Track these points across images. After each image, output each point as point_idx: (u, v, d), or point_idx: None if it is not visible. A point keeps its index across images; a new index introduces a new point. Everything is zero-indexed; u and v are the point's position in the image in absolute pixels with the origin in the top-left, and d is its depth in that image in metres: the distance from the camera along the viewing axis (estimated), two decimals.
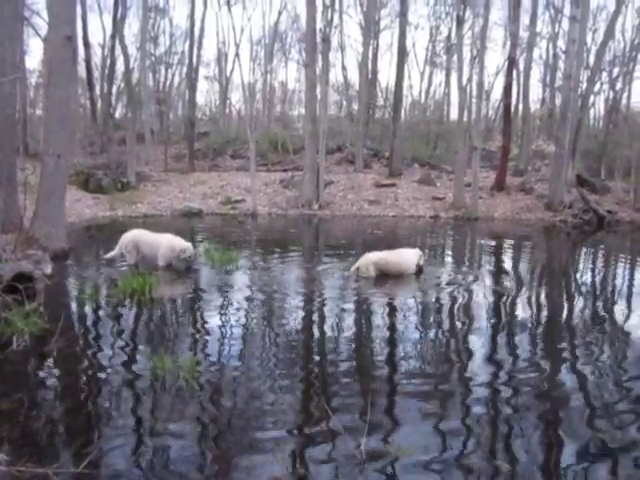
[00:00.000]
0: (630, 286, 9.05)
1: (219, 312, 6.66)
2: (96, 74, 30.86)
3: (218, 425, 3.82)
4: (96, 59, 31.56)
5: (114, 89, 30.01)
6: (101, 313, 6.56)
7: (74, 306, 6.98)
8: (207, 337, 5.65)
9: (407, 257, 8.55)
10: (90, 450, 3.36)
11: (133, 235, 8.88)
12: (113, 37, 26.53)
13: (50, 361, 4.97)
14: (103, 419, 3.87)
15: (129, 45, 25.84)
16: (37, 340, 5.19)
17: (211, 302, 7.21)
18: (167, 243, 8.66)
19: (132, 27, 33.68)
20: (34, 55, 45.53)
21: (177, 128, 34.28)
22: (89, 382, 4.52)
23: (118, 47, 24.87)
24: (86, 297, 6.98)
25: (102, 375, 4.63)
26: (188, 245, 8.65)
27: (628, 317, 6.88)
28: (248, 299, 7.34)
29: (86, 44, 26.70)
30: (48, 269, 7.82)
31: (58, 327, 5.18)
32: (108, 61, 28.91)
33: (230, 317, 6.42)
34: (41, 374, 4.72)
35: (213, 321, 6.24)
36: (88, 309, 6.65)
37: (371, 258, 8.38)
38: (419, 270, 8.60)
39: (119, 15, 24.77)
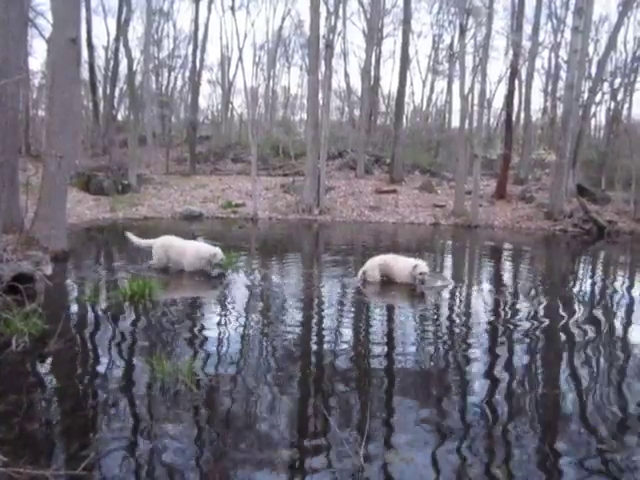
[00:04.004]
0: (630, 297, 9.04)
1: (218, 316, 6.66)
2: (99, 76, 31.01)
3: (216, 429, 3.82)
4: (99, 61, 31.75)
5: (117, 91, 30.13)
6: (100, 315, 6.54)
7: (74, 307, 6.96)
8: (206, 341, 5.64)
9: (402, 266, 8.36)
10: (88, 452, 3.36)
11: (162, 241, 8.93)
12: (117, 40, 26.68)
13: (49, 362, 4.97)
14: (101, 421, 3.86)
15: (133, 48, 25.99)
16: (36, 341, 5.19)
17: (211, 306, 7.22)
18: (194, 250, 8.72)
19: (136, 30, 33.98)
20: (37, 56, 45.70)
21: (179, 131, 34.38)
22: (87, 384, 4.51)
23: (122, 50, 24.98)
24: (86, 299, 6.98)
25: (100, 377, 4.62)
26: (217, 249, 8.69)
27: (627, 328, 6.87)
28: (247, 304, 7.36)
29: (90, 46, 26.86)
30: (48, 270, 7.84)
31: (57, 328, 5.19)
32: (111, 63, 29.06)
33: (229, 321, 6.42)
34: (40, 375, 4.71)
35: (212, 325, 6.23)
36: (88, 311, 6.64)
37: (376, 261, 8.47)
38: (421, 281, 8.17)
39: (123, 18, 24.91)
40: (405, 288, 8.23)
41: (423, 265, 8.20)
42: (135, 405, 4.12)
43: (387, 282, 8.39)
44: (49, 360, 4.99)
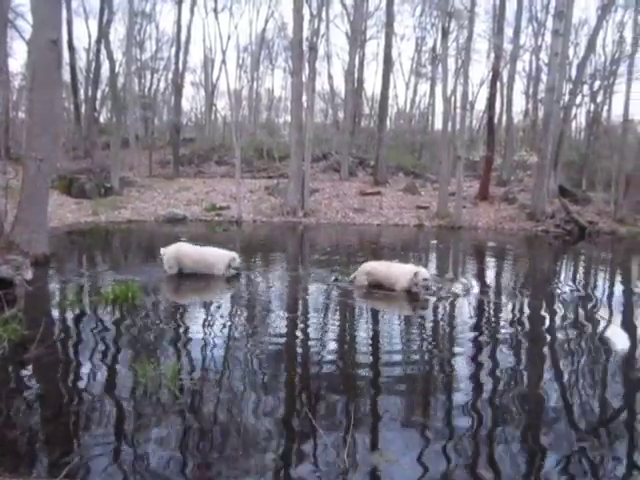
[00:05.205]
0: (610, 296, 9.17)
1: (202, 319, 6.60)
2: (81, 78, 30.67)
3: (200, 434, 3.78)
4: (81, 63, 31.41)
5: (99, 94, 29.83)
6: (82, 320, 6.45)
7: (55, 313, 6.86)
8: (190, 345, 5.59)
9: (399, 272, 8.11)
10: (69, 459, 3.30)
11: (175, 250, 8.79)
12: (98, 41, 26.42)
13: (29, 369, 4.88)
14: (83, 427, 3.80)
15: (115, 50, 25.79)
16: (16, 347, 5.10)
17: (195, 309, 7.16)
18: (218, 257, 8.76)
19: (118, 32, 33.70)
20: (18, 58, 45.02)
21: (162, 134, 34.13)
22: (69, 390, 4.44)
23: (103, 51, 24.74)
24: (67, 303, 6.88)
25: (82, 383, 4.56)
26: (234, 254, 8.81)
27: (607, 326, 6.95)
28: (231, 307, 7.33)
29: (71, 48, 26.55)
30: (28, 275, 7.72)
31: (38, 334, 5.11)
32: (93, 65, 28.76)
33: (213, 325, 6.36)
34: (20, 381, 4.63)
35: (196, 329, 6.18)
36: (69, 316, 6.53)
37: (365, 267, 8.41)
38: (425, 288, 7.83)
39: (105, 19, 24.67)
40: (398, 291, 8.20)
41: (424, 271, 7.88)
42: (118, 411, 4.06)
43: (377, 287, 8.27)
44: (29, 366, 4.90)
